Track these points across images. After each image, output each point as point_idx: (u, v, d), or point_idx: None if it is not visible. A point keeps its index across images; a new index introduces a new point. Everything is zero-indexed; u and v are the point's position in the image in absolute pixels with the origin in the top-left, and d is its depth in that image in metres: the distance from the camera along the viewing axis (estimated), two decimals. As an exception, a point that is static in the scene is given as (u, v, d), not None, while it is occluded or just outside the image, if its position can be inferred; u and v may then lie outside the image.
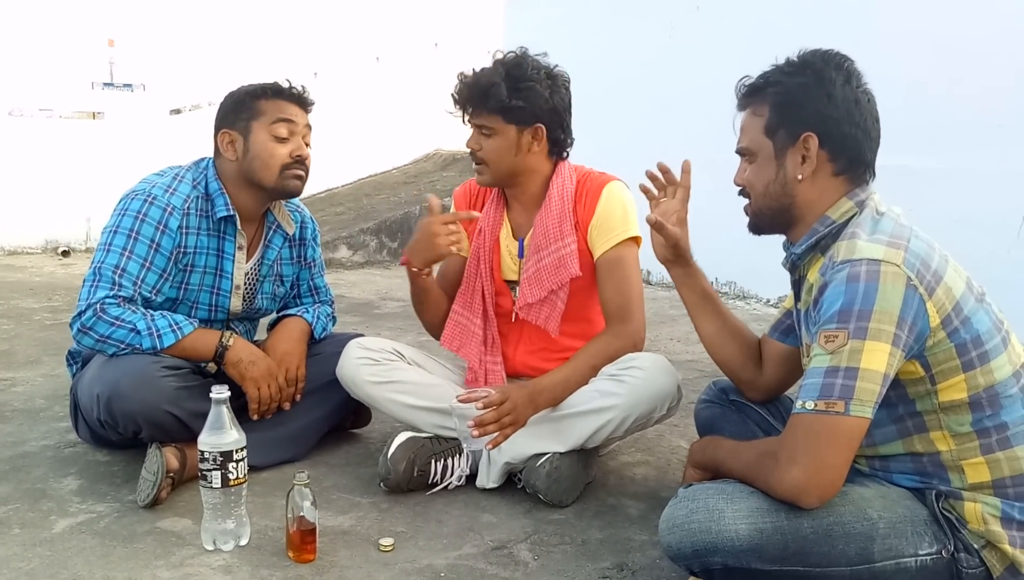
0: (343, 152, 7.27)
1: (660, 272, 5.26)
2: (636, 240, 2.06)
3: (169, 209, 2.02)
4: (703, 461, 1.65)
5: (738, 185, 1.60)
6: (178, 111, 6.56)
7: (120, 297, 1.95)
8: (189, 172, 2.12)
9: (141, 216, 2.00)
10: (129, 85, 6.39)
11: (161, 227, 2.01)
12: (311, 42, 7.04)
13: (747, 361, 1.79)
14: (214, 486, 1.64)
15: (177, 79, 6.48)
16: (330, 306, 2.40)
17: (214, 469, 1.64)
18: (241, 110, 2.08)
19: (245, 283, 2.19)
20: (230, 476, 1.64)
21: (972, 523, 1.39)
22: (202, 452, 1.65)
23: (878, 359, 1.31)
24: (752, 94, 1.55)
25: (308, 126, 2.13)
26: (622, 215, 2.04)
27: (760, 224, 1.60)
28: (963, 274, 1.44)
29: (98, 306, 1.93)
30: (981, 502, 1.39)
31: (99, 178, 5.72)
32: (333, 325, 2.38)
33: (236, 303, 2.18)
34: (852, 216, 1.48)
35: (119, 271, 1.97)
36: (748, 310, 4.50)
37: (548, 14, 5.80)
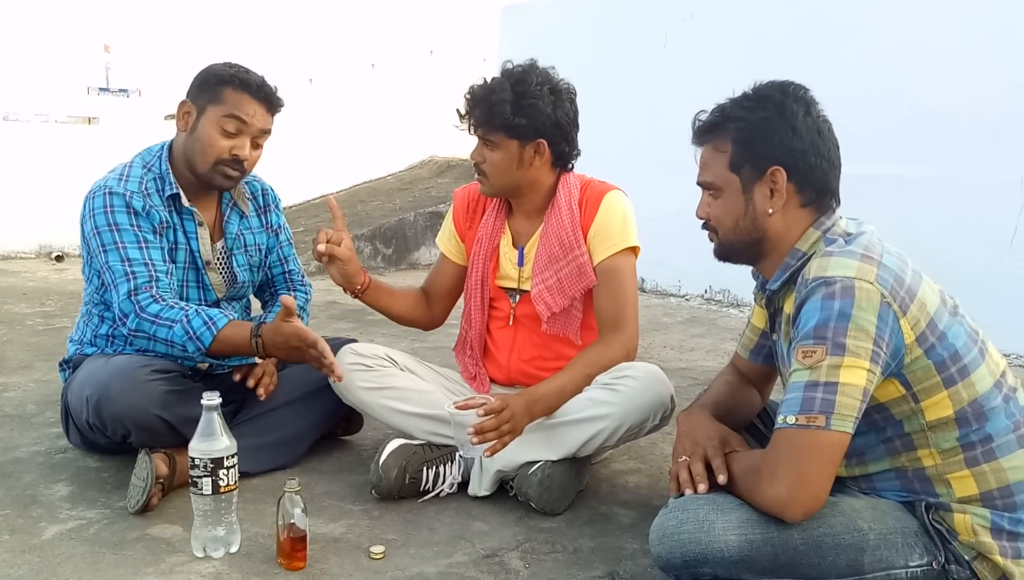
0: (338, 158, 7.27)
1: (654, 280, 5.27)
2: (634, 250, 2.07)
3: (128, 194, 2.02)
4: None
5: (701, 218, 1.59)
6: (173, 116, 6.55)
7: (143, 285, 1.95)
8: (139, 157, 2.12)
9: (109, 209, 2.01)
10: (125, 90, 6.38)
11: (131, 211, 2.01)
12: (307, 48, 7.05)
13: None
14: (205, 493, 1.64)
15: (172, 85, 6.43)
16: (303, 291, 2.37)
17: (205, 476, 1.63)
18: (206, 89, 2.05)
19: (216, 259, 2.17)
20: (221, 483, 1.64)
21: (962, 534, 1.39)
22: (193, 459, 1.64)
23: (857, 375, 1.32)
24: (712, 130, 1.54)
25: (265, 131, 2.07)
26: (621, 225, 2.05)
27: (729, 255, 1.59)
28: (936, 288, 1.44)
29: (136, 306, 1.93)
30: (971, 513, 1.40)
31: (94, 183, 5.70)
32: (307, 304, 2.37)
33: (216, 279, 2.16)
34: (820, 245, 1.48)
35: (126, 262, 1.97)
36: (741, 318, 4.50)
37: (542, 23, 5.81)
